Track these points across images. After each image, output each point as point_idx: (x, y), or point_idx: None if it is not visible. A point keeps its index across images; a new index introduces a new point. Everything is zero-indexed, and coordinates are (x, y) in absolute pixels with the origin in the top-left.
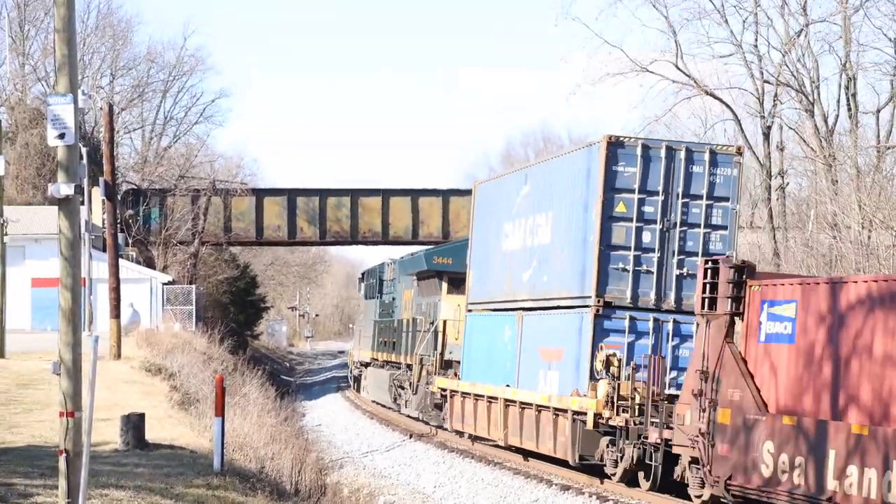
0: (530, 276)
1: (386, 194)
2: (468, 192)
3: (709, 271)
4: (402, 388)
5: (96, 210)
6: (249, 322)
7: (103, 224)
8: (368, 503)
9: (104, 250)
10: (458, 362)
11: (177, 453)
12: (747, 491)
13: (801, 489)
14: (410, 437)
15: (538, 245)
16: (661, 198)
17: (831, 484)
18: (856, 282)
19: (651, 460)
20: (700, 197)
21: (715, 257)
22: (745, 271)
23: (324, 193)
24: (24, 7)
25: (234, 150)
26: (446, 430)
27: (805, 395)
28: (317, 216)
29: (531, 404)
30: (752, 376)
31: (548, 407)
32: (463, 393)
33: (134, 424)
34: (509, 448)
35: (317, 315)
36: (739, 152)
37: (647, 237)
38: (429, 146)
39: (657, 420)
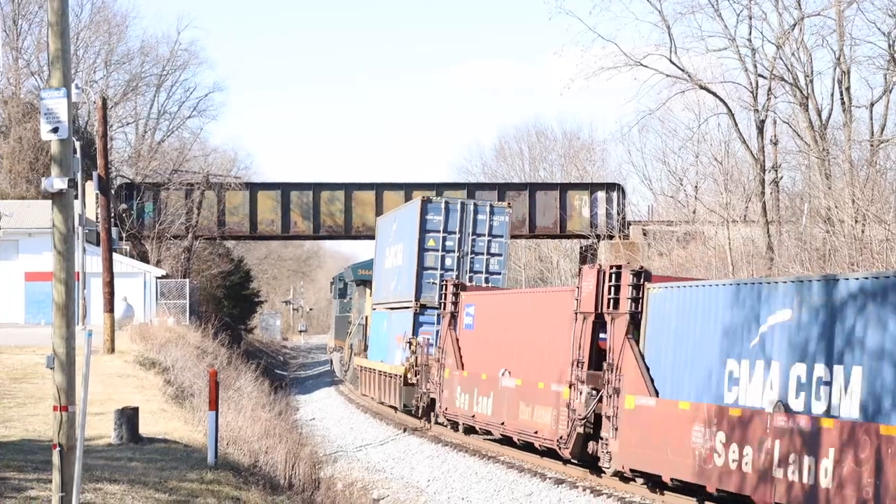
0: (394, 286)
1: (380, 188)
2: (462, 187)
3: (442, 286)
4: (344, 366)
5: (90, 204)
6: (243, 316)
7: (97, 218)
8: (362, 497)
9: (98, 244)
10: None
11: (170, 447)
12: (452, 416)
13: (465, 411)
14: (404, 430)
15: (397, 265)
16: (458, 236)
17: (476, 408)
18: (500, 293)
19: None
20: (483, 235)
21: (446, 279)
22: (459, 287)
23: (318, 187)
24: (17, 1)
25: (228, 145)
26: (365, 395)
27: (475, 360)
28: (311, 210)
29: (386, 372)
30: (459, 349)
31: (391, 374)
32: (365, 367)
33: (128, 418)
34: (382, 403)
35: (311, 309)
36: (510, 206)
37: (448, 261)
38: (423, 140)
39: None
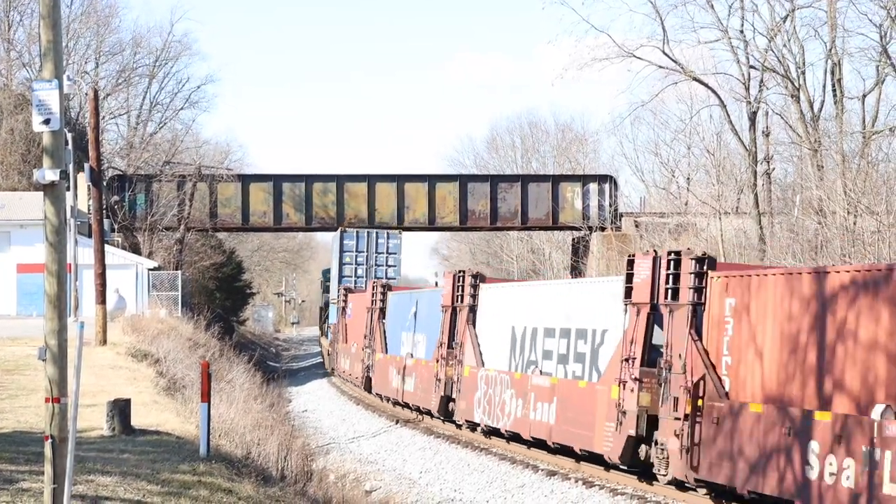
0: (333, 288)
1: (372, 180)
2: (454, 178)
3: (339, 290)
4: (320, 346)
5: (82, 196)
6: (236, 308)
7: (89, 210)
8: (355, 489)
9: (90, 236)
10: None
11: (163, 439)
12: (338, 372)
13: (342, 368)
14: (397, 422)
15: (333, 274)
16: (366, 253)
17: (345, 366)
18: (357, 294)
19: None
20: (383, 253)
21: (342, 285)
22: (347, 290)
23: (310, 179)
24: None
25: (221, 136)
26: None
27: (353, 338)
28: (303, 202)
29: (325, 348)
30: (345, 330)
31: (325, 348)
32: (322, 346)
33: (120, 410)
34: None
35: (303, 301)
36: (400, 233)
37: (360, 271)
38: (415, 133)
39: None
